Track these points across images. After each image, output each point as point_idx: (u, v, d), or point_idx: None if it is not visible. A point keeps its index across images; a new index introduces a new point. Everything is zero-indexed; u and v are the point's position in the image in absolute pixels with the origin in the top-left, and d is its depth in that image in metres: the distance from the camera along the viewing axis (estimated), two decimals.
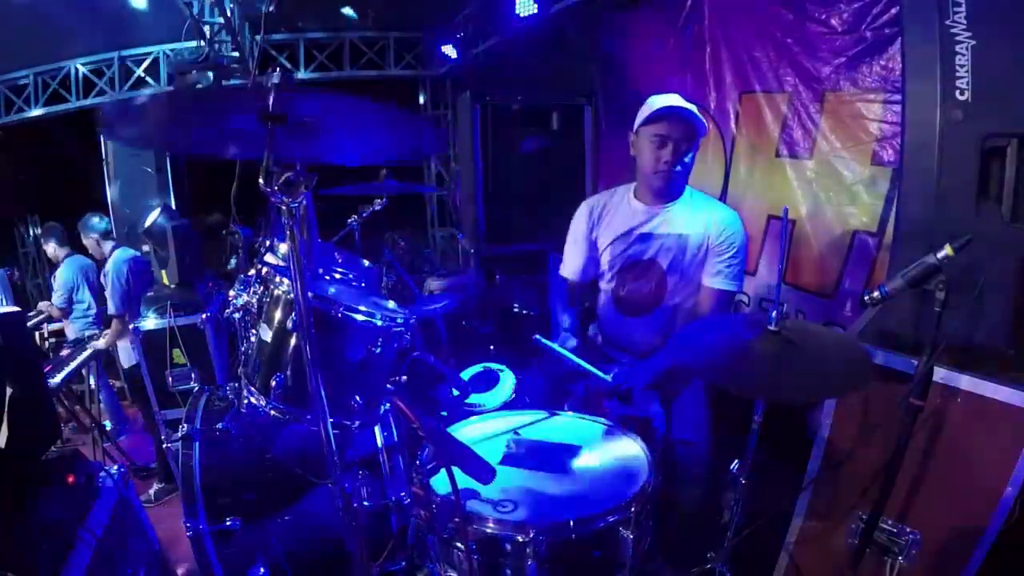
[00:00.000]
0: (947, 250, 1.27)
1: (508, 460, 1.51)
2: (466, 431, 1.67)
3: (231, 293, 1.72)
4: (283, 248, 1.79)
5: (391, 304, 1.74)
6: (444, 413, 1.85)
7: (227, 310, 1.67)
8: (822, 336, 1.53)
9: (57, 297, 4.03)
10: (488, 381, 2.09)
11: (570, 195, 3.98)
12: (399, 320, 1.56)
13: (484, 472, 1.26)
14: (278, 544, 1.75)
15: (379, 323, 1.50)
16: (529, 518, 1.27)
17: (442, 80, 6.17)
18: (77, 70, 5.22)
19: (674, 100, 1.96)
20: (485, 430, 1.68)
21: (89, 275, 4.09)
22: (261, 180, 1.06)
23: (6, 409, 1.52)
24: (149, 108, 1.09)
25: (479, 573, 1.26)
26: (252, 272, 1.64)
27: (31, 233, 6.12)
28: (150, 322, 2.92)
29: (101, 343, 3.61)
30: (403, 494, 1.84)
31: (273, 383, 1.43)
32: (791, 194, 2.79)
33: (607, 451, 1.55)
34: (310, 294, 1.23)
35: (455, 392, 1.81)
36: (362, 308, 1.48)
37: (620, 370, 1.91)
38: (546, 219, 3.98)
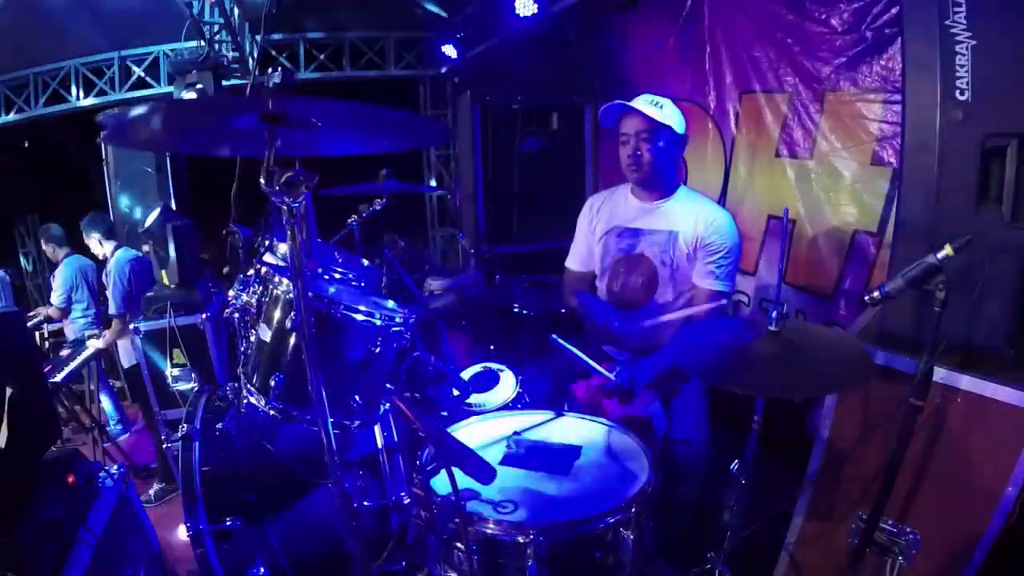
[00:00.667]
0: (947, 250, 1.27)
1: (508, 460, 1.51)
2: (466, 431, 1.67)
3: (231, 293, 1.72)
4: (283, 248, 1.79)
5: (391, 304, 1.74)
6: (444, 413, 1.85)
7: (227, 310, 1.67)
8: (822, 336, 1.53)
9: (56, 297, 4.03)
10: (488, 381, 2.10)
11: (570, 195, 3.99)
12: (399, 320, 1.56)
13: (484, 472, 1.26)
14: (278, 544, 1.75)
15: (379, 323, 1.50)
16: (529, 518, 1.27)
17: (442, 80, 6.16)
18: (77, 70, 5.22)
19: (641, 99, 2.02)
20: (485, 430, 1.68)
21: (88, 275, 4.09)
22: (262, 180, 1.06)
23: (6, 409, 1.52)
24: (148, 116, 1.09)
25: (479, 573, 1.26)
26: (252, 272, 1.64)
27: (31, 233, 6.12)
28: (149, 323, 2.92)
29: (101, 343, 3.61)
30: (403, 494, 1.83)
31: (273, 383, 1.43)
32: (791, 194, 2.79)
33: (607, 451, 1.55)
34: (310, 294, 1.22)
35: (455, 392, 1.81)
36: (362, 308, 1.48)
37: (623, 368, 1.91)
38: (546, 219, 3.99)
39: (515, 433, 1.63)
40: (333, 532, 1.69)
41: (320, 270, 1.75)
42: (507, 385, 2.13)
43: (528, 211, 4.23)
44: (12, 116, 5.29)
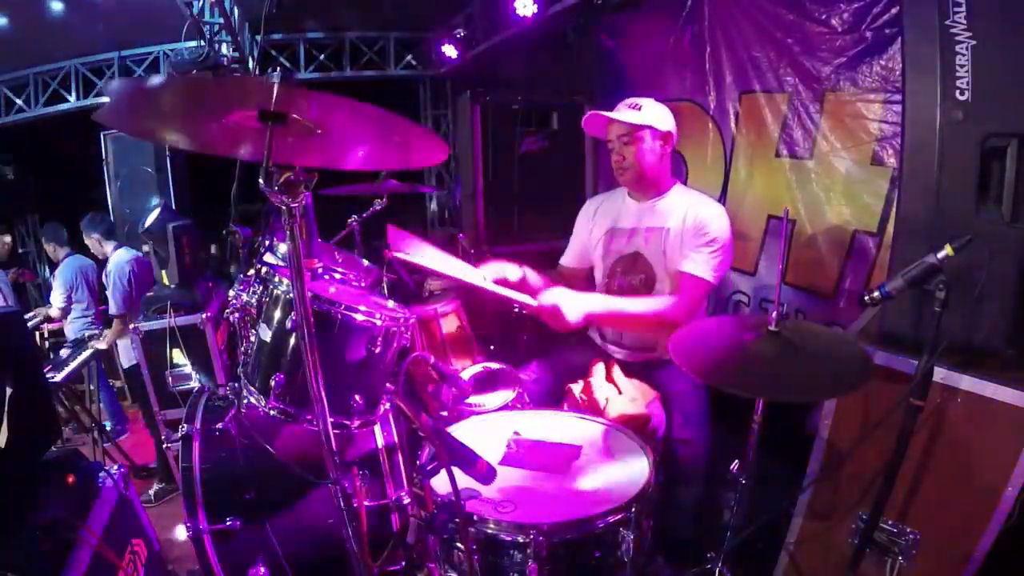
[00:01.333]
0: (947, 250, 1.27)
1: (508, 460, 1.51)
2: (466, 431, 1.67)
3: (231, 293, 1.72)
4: (283, 248, 1.79)
5: (391, 304, 1.74)
6: (444, 413, 1.85)
7: (227, 310, 1.67)
8: (822, 336, 1.53)
9: (56, 297, 4.03)
10: (488, 381, 2.09)
11: (570, 195, 3.98)
12: (399, 320, 1.56)
13: (484, 472, 1.26)
14: (278, 544, 1.75)
15: (379, 323, 1.50)
16: (529, 518, 1.27)
17: (442, 80, 6.17)
18: (77, 70, 5.22)
19: (621, 104, 2.08)
20: (485, 430, 1.68)
21: (88, 275, 4.09)
22: (261, 180, 1.06)
23: (6, 409, 1.52)
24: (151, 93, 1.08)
25: (479, 573, 1.26)
26: (252, 272, 1.64)
27: (31, 233, 6.12)
28: (149, 323, 2.92)
29: (101, 343, 3.61)
30: (403, 494, 1.83)
31: (273, 383, 1.43)
32: (791, 194, 2.79)
33: (607, 451, 1.55)
34: (310, 294, 1.22)
35: (455, 392, 1.81)
36: (362, 308, 1.48)
37: (549, 294, 1.88)
38: (546, 219, 3.98)
39: (515, 433, 1.63)
40: (333, 532, 1.69)
41: (320, 270, 1.75)
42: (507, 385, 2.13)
43: (528, 211, 4.22)
44: (12, 116, 5.29)
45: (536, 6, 3.64)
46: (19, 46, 4.78)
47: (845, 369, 1.37)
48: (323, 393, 1.18)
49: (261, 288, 1.60)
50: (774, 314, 1.39)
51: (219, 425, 1.82)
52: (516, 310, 3.30)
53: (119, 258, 3.57)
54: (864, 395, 1.59)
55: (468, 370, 2.13)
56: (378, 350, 1.51)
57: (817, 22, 2.57)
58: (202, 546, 1.71)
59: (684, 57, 3.40)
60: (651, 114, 2.03)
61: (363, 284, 2.00)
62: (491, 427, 1.70)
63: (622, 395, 1.90)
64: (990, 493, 1.37)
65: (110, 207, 5.09)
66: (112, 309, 3.49)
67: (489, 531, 1.26)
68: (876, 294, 1.39)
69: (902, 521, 1.53)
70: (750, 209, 3.06)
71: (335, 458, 1.21)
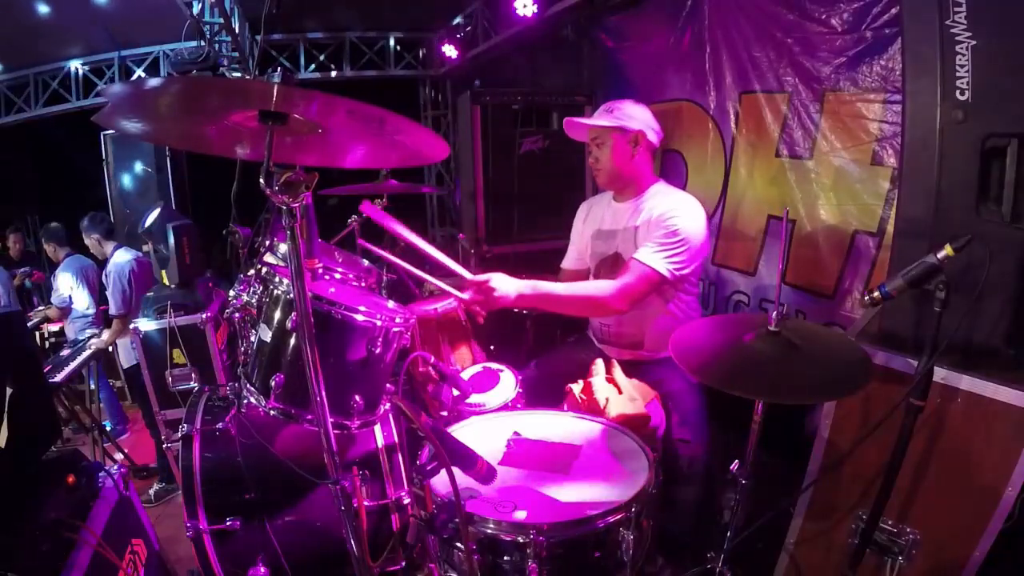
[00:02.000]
0: (947, 250, 1.27)
1: (508, 460, 1.51)
2: (466, 431, 1.67)
3: (231, 293, 1.72)
4: (283, 248, 1.79)
5: (391, 304, 1.74)
6: (444, 413, 1.85)
7: (227, 310, 1.67)
8: (822, 336, 1.53)
9: (57, 297, 4.03)
10: (488, 381, 2.09)
11: (570, 195, 3.97)
12: (399, 320, 1.56)
13: (484, 472, 1.26)
14: (278, 544, 1.75)
15: (379, 323, 1.50)
16: (529, 518, 1.27)
17: (442, 80, 6.17)
18: (77, 70, 5.23)
19: (599, 110, 2.16)
20: (485, 430, 1.68)
21: (89, 275, 4.09)
22: (261, 180, 1.06)
23: (6, 409, 1.52)
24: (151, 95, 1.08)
25: (479, 573, 1.26)
26: (252, 272, 1.64)
27: (32, 233, 6.13)
28: (149, 323, 2.92)
29: (101, 343, 3.61)
30: (403, 494, 1.83)
31: (273, 383, 1.43)
32: (791, 194, 2.79)
33: (607, 451, 1.55)
34: (310, 294, 1.23)
35: (455, 392, 1.81)
36: (362, 308, 1.48)
37: (485, 275, 1.90)
38: (546, 219, 3.98)
39: (515, 433, 1.63)
40: (333, 532, 1.69)
41: (320, 270, 1.75)
42: (507, 385, 2.13)
43: (528, 211, 4.22)
44: (12, 116, 5.29)
45: (536, 6, 3.65)
46: (19, 46, 4.78)
47: (845, 370, 1.37)
48: (323, 393, 1.18)
49: (261, 288, 1.60)
50: (774, 314, 1.38)
51: (219, 425, 1.82)
52: (515, 309, 3.31)
53: (119, 258, 3.57)
54: (864, 395, 1.58)
55: (468, 370, 2.13)
56: (378, 350, 1.51)
57: (817, 22, 2.57)
58: (202, 546, 1.71)
59: (684, 57, 3.40)
60: (624, 115, 2.09)
61: (363, 284, 2.00)
62: (491, 427, 1.70)
63: (622, 395, 1.90)
64: (990, 493, 1.37)
65: (110, 207, 5.10)
66: (112, 309, 3.49)
67: (489, 531, 1.26)
68: (876, 294, 1.38)
69: (902, 521, 1.53)
70: (750, 209, 3.06)
71: (335, 458, 1.21)
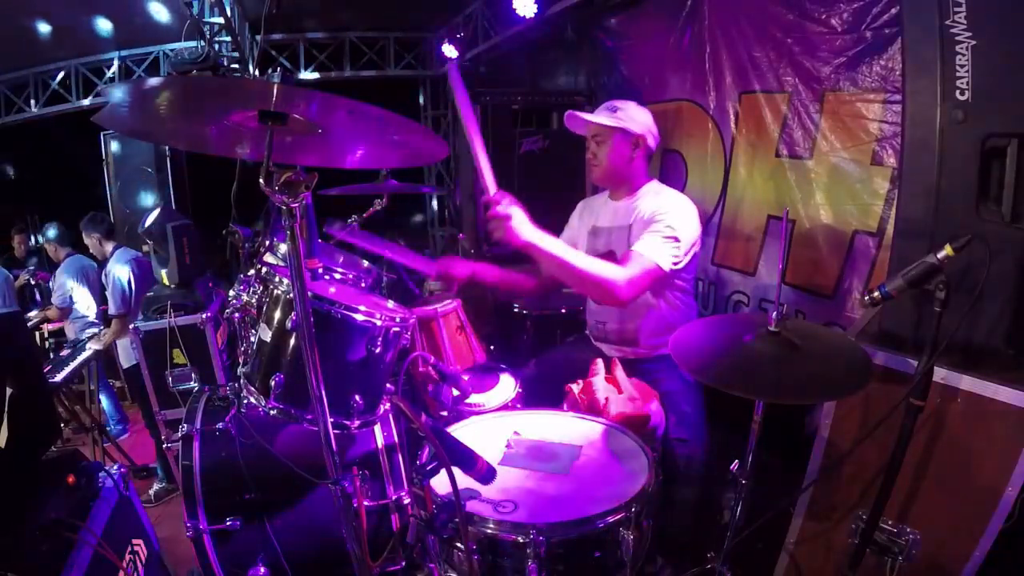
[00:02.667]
0: (947, 250, 1.27)
1: (508, 460, 1.51)
2: (466, 431, 1.67)
3: (231, 293, 1.72)
4: (283, 248, 1.79)
5: (391, 304, 1.74)
6: (444, 413, 1.85)
7: (227, 310, 1.67)
8: (822, 336, 1.53)
9: (57, 297, 4.03)
10: (488, 381, 2.10)
11: (570, 195, 3.97)
12: (399, 320, 1.56)
13: (484, 472, 1.26)
14: (278, 544, 1.75)
15: (379, 323, 1.50)
16: (529, 518, 1.27)
17: (442, 80, 6.17)
18: (77, 70, 5.23)
19: (602, 107, 2.17)
20: (485, 430, 1.68)
21: (89, 275, 4.09)
22: (261, 180, 1.06)
23: (6, 409, 1.52)
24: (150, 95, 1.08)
25: (479, 573, 1.26)
26: (252, 272, 1.64)
27: (31, 233, 6.13)
28: (148, 323, 2.92)
29: (101, 343, 3.60)
30: (403, 494, 1.84)
31: (273, 383, 1.43)
32: (791, 194, 2.79)
33: (607, 451, 1.55)
34: (310, 294, 1.22)
35: (455, 392, 1.81)
36: (362, 308, 1.48)
37: (509, 205, 1.95)
38: (546, 219, 3.98)
39: (515, 433, 1.63)
40: (333, 532, 1.69)
41: (320, 270, 1.75)
42: (507, 385, 2.13)
43: (528, 211, 4.23)
44: (12, 116, 5.29)
45: (536, 6, 3.64)
46: (19, 46, 4.78)
47: (845, 370, 1.37)
48: (323, 393, 1.18)
49: (261, 288, 1.60)
50: (774, 314, 1.38)
51: (219, 425, 1.82)
52: (516, 308, 3.30)
53: (119, 258, 3.57)
54: (864, 395, 1.58)
55: (468, 370, 2.13)
56: (378, 350, 1.51)
57: (817, 22, 2.57)
58: (202, 546, 1.71)
59: (684, 57, 3.40)
60: (627, 117, 2.11)
61: (363, 284, 2.00)
62: (491, 427, 1.70)
63: (622, 395, 1.90)
64: (990, 493, 1.37)
65: (110, 207, 5.10)
66: (111, 309, 3.49)
67: (489, 531, 1.25)
68: (876, 294, 1.38)
69: (902, 521, 1.53)
70: (750, 209, 3.06)
71: (335, 458, 1.21)
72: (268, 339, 1.49)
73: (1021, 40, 1.35)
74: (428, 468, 1.26)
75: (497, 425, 1.70)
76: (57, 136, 5.54)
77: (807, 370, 1.36)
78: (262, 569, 1.70)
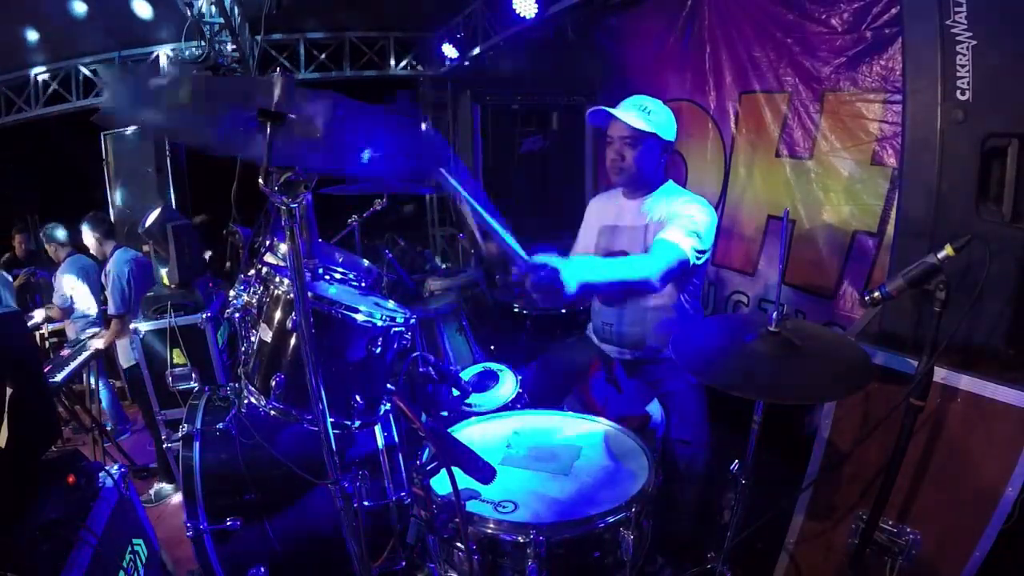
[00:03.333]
0: (947, 250, 1.27)
1: (508, 460, 1.51)
2: (466, 431, 1.67)
3: (231, 293, 1.72)
4: (283, 248, 1.79)
5: (391, 304, 1.74)
6: (444, 413, 1.85)
7: (227, 310, 1.67)
8: (822, 336, 1.53)
9: (58, 297, 4.03)
10: (488, 381, 2.09)
11: (570, 195, 3.99)
12: (399, 320, 1.56)
13: (484, 472, 1.26)
14: (278, 544, 1.75)
15: (379, 323, 1.50)
16: (529, 518, 1.27)
17: (442, 80, 6.16)
18: (77, 70, 5.23)
19: (631, 102, 2.04)
20: (485, 430, 1.68)
21: (90, 275, 4.09)
22: (261, 180, 1.06)
23: (6, 409, 1.52)
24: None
25: (479, 573, 1.26)
26: (252, 272, 1.64)
27: (31, 233, 6.13)
28: (148, 323, 2.93)
29: (101, 343, 3.60)
30: (403, 494, 1.83)
31: (273, 383, 1.43)
32: (791, 194, 2.79)
33: (607, 451, 1.55)
34: (310, 294, 1.22)
35: (455, 392, 1.81)
36: (362, 308, 1.48)
37: (548, 260, 1.50)
38: (546, 219, 3.99)
39: (515, 433, 1.63)
40: (333, 532, 1.69)
41: (321, 270, 1.75)
42: (507, 385, 2.13)
43: (528, 211, 4.23)
44: (12, 116, 5.30)
45: (536, 6, 3.64)
46: (19, 46, 4.78)
47: (845, 370, 1.37)
48: (323, 393, 1.18)
49: (261, 288, 1.60)
50: (774, 314, 1.38)
51: (219, 425, 1.82)
52: (516, 308, 3.29)
53: (119, 258, 3.57)
54: (864, 395, 1.59)
55: (468, 370, 2.13)
56: (378, 350, 1.51)
57: (817, 22, 2.58)
58: (202, 546, 1.71)
59: (684, 57, 3.40)
60: (658, 120, 2.02)
61: (363, 284, 2.00)
62: (491, 427, 1.70)
63: (622, 395, 1.90)
64: (990, 493, 1.37)
65: (110, 207, 5.09)
66: (111, 309, 3.49)
67: (489, 531, 1.26)
68: (876, 294, 1.38)
69: (902, 521, 1.53)
70: (750, 209, 3.07)
71: (335, 458, 1.21)
72: (269, 339, 1.49)
73: (1021, 40, 1.35)
74: (428, 468, 1.26)
75: (497, 425, 1.70)
76: (57, 136, 5.54)
77: (807, 370, 1.36)
78: (262, 569, 1.70)
